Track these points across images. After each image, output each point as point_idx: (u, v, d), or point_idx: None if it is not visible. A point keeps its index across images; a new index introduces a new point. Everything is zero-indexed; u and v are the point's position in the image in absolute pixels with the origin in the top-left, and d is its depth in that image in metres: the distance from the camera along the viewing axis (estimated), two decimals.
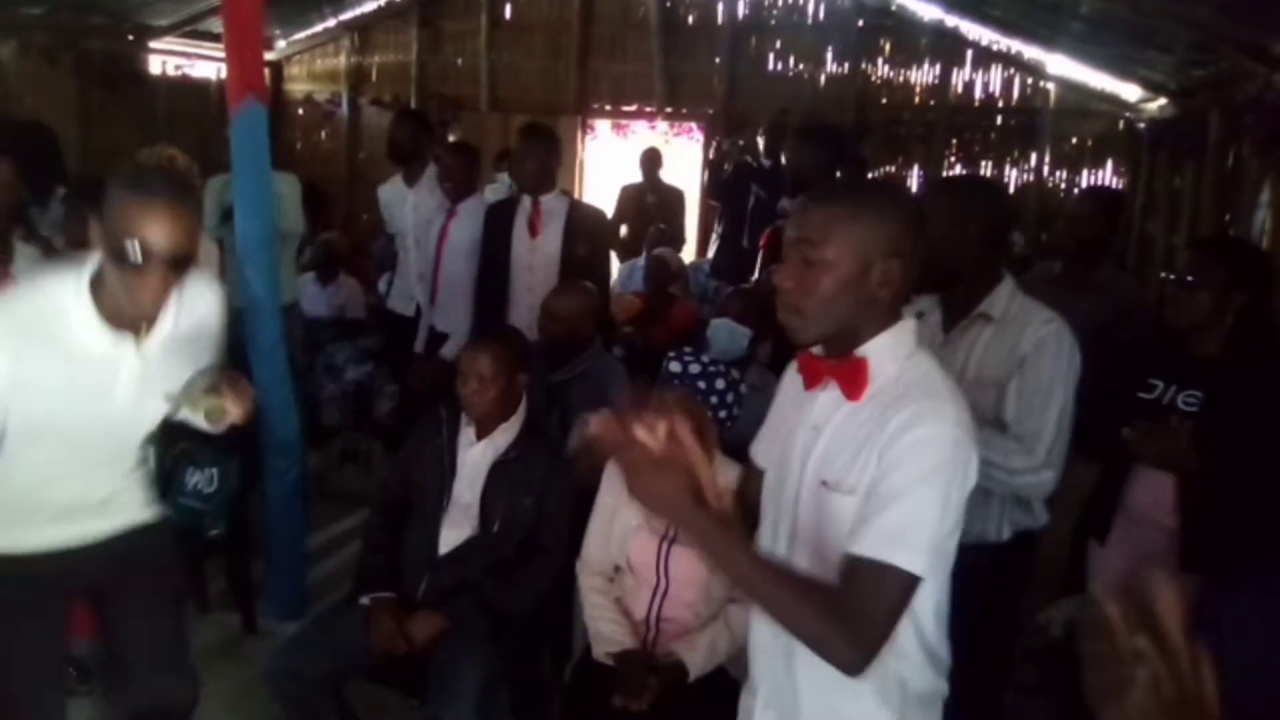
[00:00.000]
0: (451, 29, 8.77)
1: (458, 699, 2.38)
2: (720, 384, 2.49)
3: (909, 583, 1.38)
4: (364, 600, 2.57)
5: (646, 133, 9.49)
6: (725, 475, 2.49)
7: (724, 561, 1.41)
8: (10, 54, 6.93)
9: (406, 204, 4.51)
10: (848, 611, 1.35)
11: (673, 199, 7.01)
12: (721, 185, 6.57)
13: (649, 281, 5.45)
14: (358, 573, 2.71)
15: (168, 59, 8.37)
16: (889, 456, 1.40)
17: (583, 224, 3.89)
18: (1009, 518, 2.34)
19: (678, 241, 6.51)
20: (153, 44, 8.09)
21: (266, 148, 3.27)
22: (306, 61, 9.22)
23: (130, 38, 7.87)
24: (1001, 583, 2.35)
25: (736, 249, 6.02)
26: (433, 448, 2.70)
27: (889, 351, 1.49)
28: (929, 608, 1.51)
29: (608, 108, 8.48)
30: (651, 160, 6.96)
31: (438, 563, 2.62)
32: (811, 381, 1.56)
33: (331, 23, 9.05)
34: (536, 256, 3.80)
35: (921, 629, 1.52)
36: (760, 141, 6.55)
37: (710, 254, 6.61)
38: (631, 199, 6.92)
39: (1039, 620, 2.69)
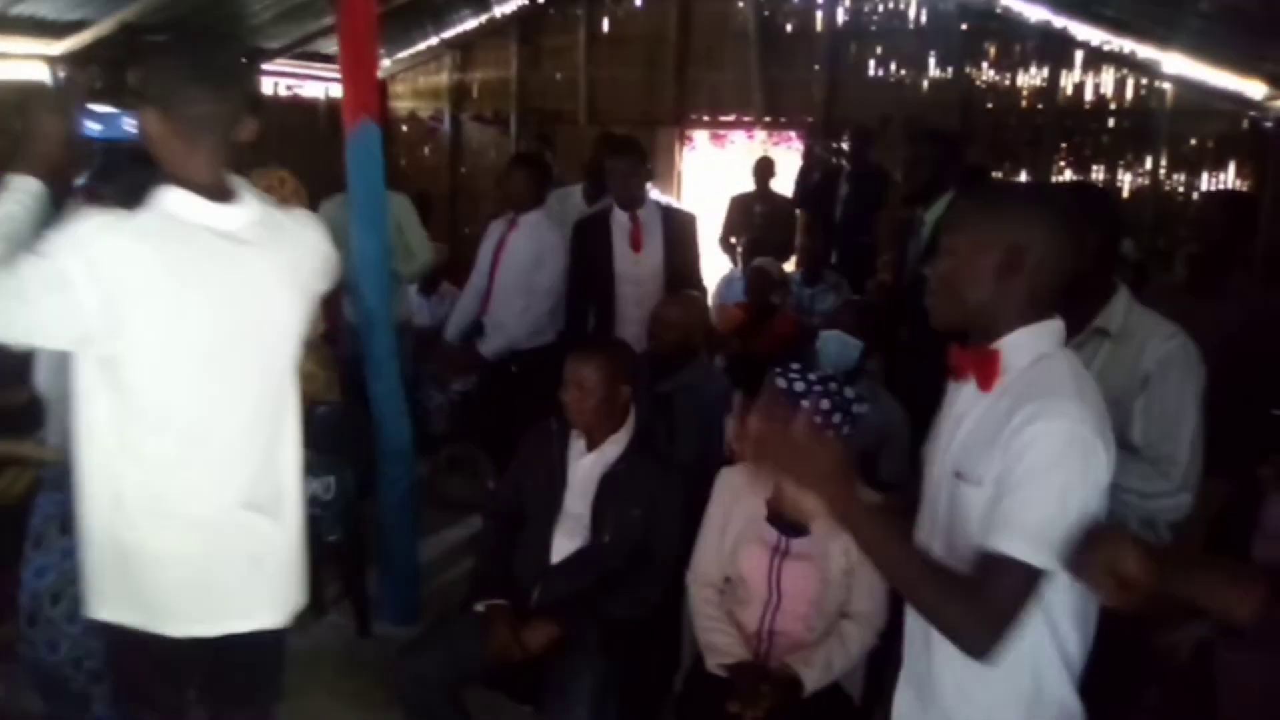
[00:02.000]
0: (550, 44, 8.89)
1: (571, 707, 2.41)
2: (825, 404, 2.45)
3: (1030, 574, 1.43)
4: (479, 607, 2.62)
5: (745, 142, 9.45)
6: (869, 498, 2.47)
7: (871, 544, 1.51)
8: (98, 83, 7.28)
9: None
10: (975, 600, 1.44)
11: (782, 209, 6.96)
12: (809, 192, 6.51)
13: (750, 292, 5.43)
14: (472, 580, 2.76)
15: (279, 80, 8.70)
16: (1010, 450, 1.45)
17: (678, 230, 3.91)
18: None
19: (786, 251, 6.46)
20: (266, 66, 8.43)
21: (381, 167, 3.37)
22: (410, 79, 9.45)
23: (244, 60, 8.19)
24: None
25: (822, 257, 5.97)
26: (544, 458, 2.74)
27: (1024, 346, 1.53)
28: (1065, 610, 1.53)
29: (705, 118, 8.47)
30: (764, 169, 6.93)
31: (550, 572, 2.65)
32: (957, 372, 1.63)
33: (434, 41, 9.27)
34: (642, 270, 3.83)
35: (1056, 629, 1.53)
36: (846, 147, 6.51)
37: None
38: (740, 208, 6.89)
39: (1166, 642, 2.60)
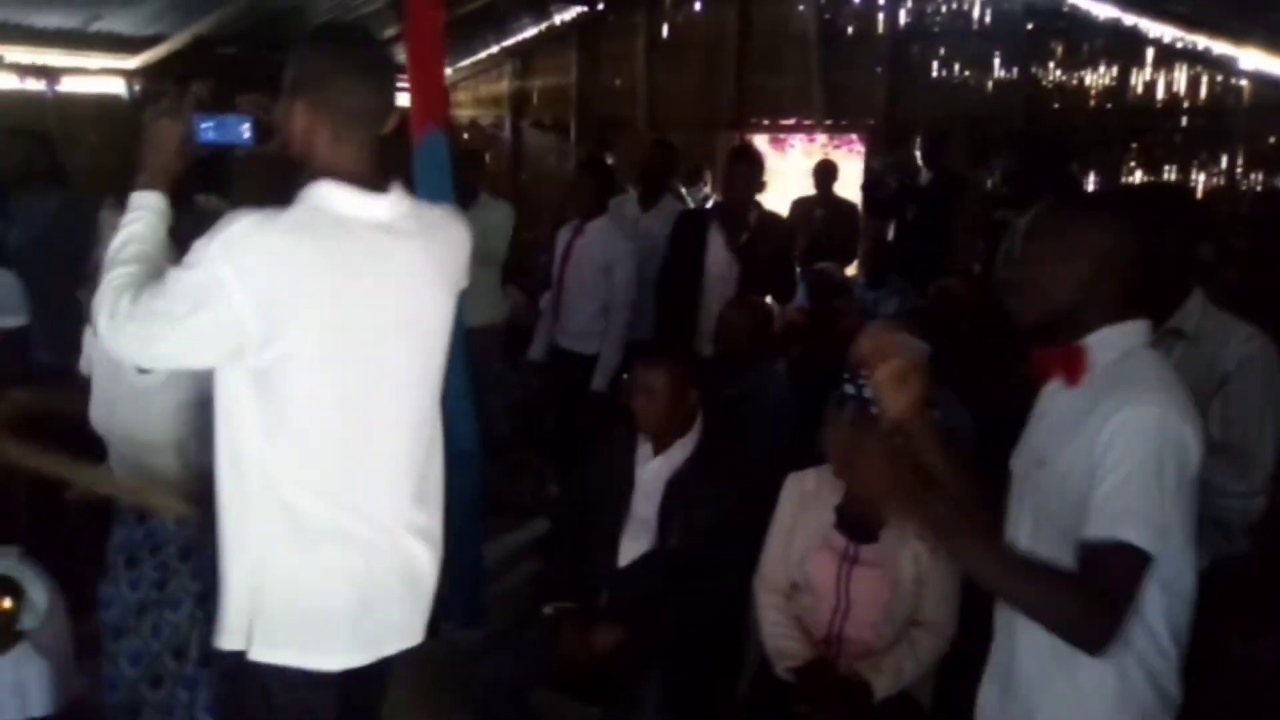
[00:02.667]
0: (609, 51, 8.94)
1: (638, 710, 2.42)
2: None
3: (1138, 558, 1.43)
4: (547, 610, 2.64)
5: (805, 146, 9.40)
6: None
7: (969, 555, 1.58)
8: (207, 91, 7.47)
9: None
10: (1085, 593, 1.45)
11: (844, 213, 6.91)
12: (883, 203, 6.44)
13: (812, 297, 5.39)
14: (540, 583, 2.79)
15: None
16: (1100, 440, 1.47)
17: (767, 229, 3.93)
18: (1207, 542, 2.22)
19: (848, 255, 6.41)
20: None
21: (449, 175, 3.41)
22: (471, 87, 9.56)
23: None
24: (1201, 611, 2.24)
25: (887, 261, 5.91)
26: (611, 463, 2.75)
27: (1111, 343, 1.57)
28: (1157, 610, 1.52)
29: (765, 122, 8.45)
30: (825, 173, 6.89)
31: (617, 575, 2.67)
32: (1041, 373, 1.66)
33: (495, 49, 9.38)
34: (734, 269, 3.85)
35: (1144, 623, 1.52)
36: (918, 155, 6.43)
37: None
38: (801, 212, 6.86)
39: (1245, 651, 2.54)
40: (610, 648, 2.55)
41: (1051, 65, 7.26)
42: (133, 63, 6.90)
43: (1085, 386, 1.57)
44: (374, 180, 1.69)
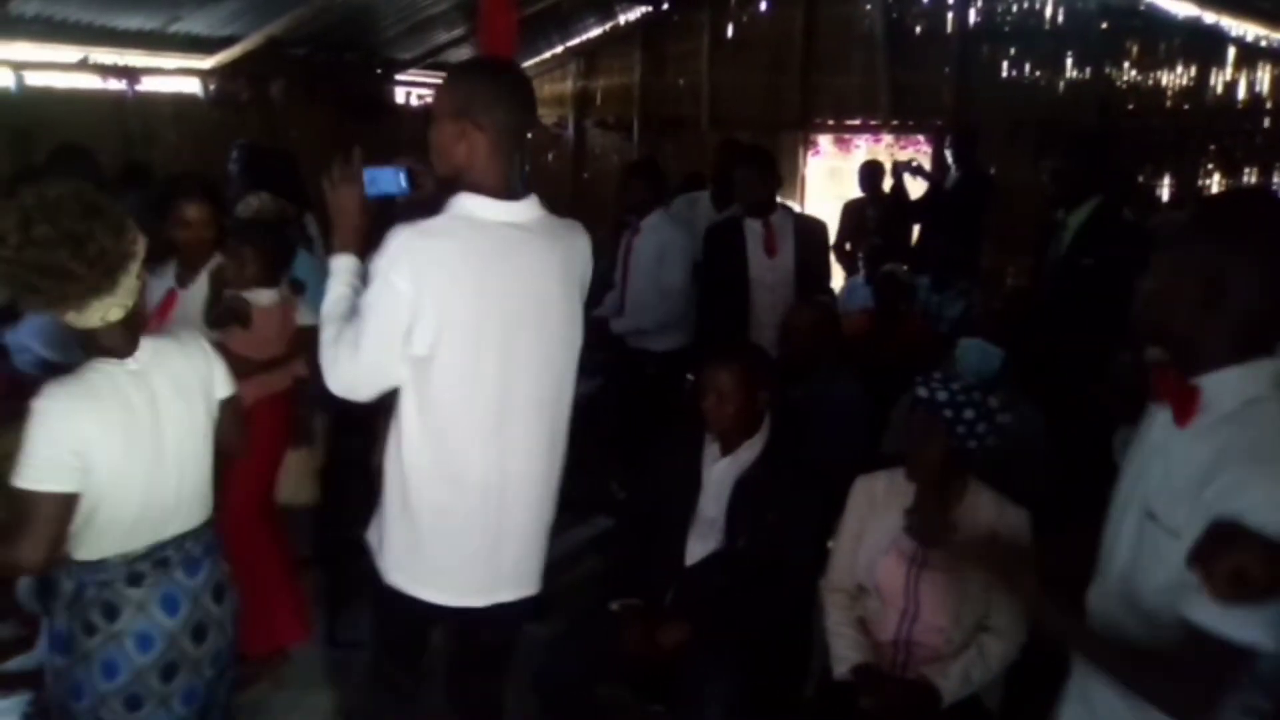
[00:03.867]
0: (673, 50, 8.95)
1: (704, 708, 2.42)
2: (969, 413, 2.41)
3: (1237, 651, 1.33)
4: (613, 606, 2.66)
5: (870, 146, 9.31)
6: (1012, 518, 2.42)
7: (1066, 635, 1.57)
8: (279, 90, 7.66)
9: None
10: (1182, 676, 1.37)
11: (894, 211, 6.82)
12: (905, 205, 6.36)
13: (879, 298, 5.33)
14: (606, 579, 2.80)
15: (410, 89, 9.00)
16: (1214, 513, 1.33)
17: (809, 236, 3.90)
18: None
19: (907, 256, 6.33)
20: (398, 76, 8.74)
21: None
22: (536, 87, 9.57)
23: (379, 71, 8.53)
24: None
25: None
26: (678, 461, 2.76)
27: (1231, 387, 1.40)
28: (1262, 668, 1.42)
29: (830, 122, 8.40)
30: (871, 173, 6.82)
31: (684, 574, 2.67)
32: (1158, 393, 1.51)
33: (559, 49, 9.45)
34: (776, 275, 3.83)
35: (1252, 678, 1.43)
36: (949, 154, 6.35)
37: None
38: (853, 215, 6.80)
39: None
40: (676, 645, 2.56)
41: (1126, 65, 7.11)
42: (208, 63, 7.08)
43: (1202, 433, 1.40)
44: (512, 188, 2.00)
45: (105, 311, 1.81)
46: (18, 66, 6.02)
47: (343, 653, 3.39)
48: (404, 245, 1.88)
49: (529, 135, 1.92)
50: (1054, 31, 7.27)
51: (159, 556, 1.96)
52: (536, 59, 9.38)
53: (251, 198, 3.87)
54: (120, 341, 1.88)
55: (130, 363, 1.90)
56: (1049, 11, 7.29)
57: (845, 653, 2.49)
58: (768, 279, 3.86)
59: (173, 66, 6.97)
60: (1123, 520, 1.55)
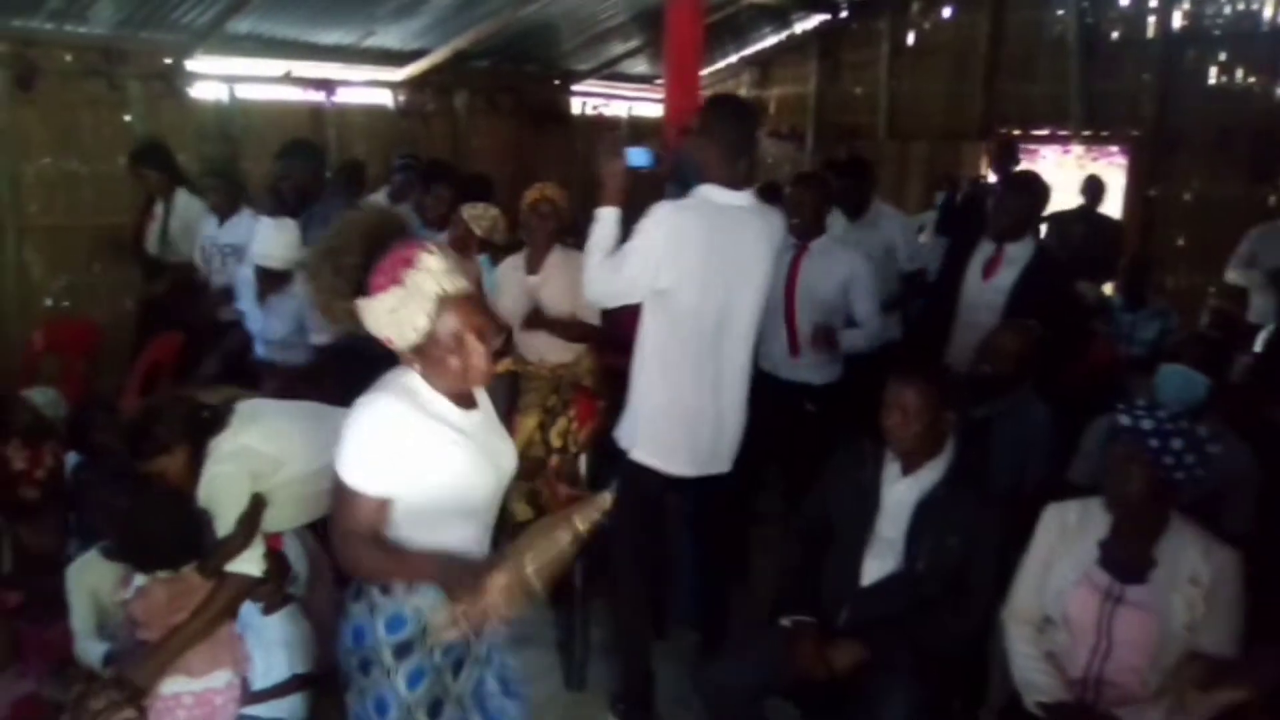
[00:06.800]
0: (851, 59, 8.82)
1: None
2: (1177, 443, 2.25)
3: None
4: (785, 622, 2.62)
5: (1058, 157, 8.88)
6: (1219, 558, 2.26)
7: None
8: (462, 101, 7.96)
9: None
10: None
11: (1105, 230, 6.51)
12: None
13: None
14: (779, 594, 2.77)
15: (586, 100, 9.18)
16: None
17: (1042, 275, 3.65)
18: None
19: (1108, 273, 6.00)
20: (574, 87, 8.93)
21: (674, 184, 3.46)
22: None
23: (556, 82, 8.75)
24: None
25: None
26: (856, 480, 2.69)
27: None
28: None
29: (1016, 132, 8.05)
30: (1095, 188, 6.52)
31: (860, 594, 2.61)
32: None
33: (734, 58, 9.45)
34: (984, 297, 3.65)
35: None
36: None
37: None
38: (1056, 229, 6.46)
39: None
40: (849, 666, 2.51)
41: None
42: (398, 75, 7.43)
43: None
44: (738, 183, 2.88)
45: None
46: (230, 80, 6.48)
47: None
48: (664, 212, 2.78)
49: (753, 147, 2.96)
50: (1271, 33, 6.74)
51: None
52: (710, 68, 9.41)
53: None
54: None
55: None
56: (1269, 12, 6.76)
57: (1036, 683, 2.39)
58: (975, 299, 3.67)
59: (366, 79, 7.34)
60: None
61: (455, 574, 1.80)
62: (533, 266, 3.87)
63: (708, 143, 2.84)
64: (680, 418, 2.91)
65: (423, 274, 1.79)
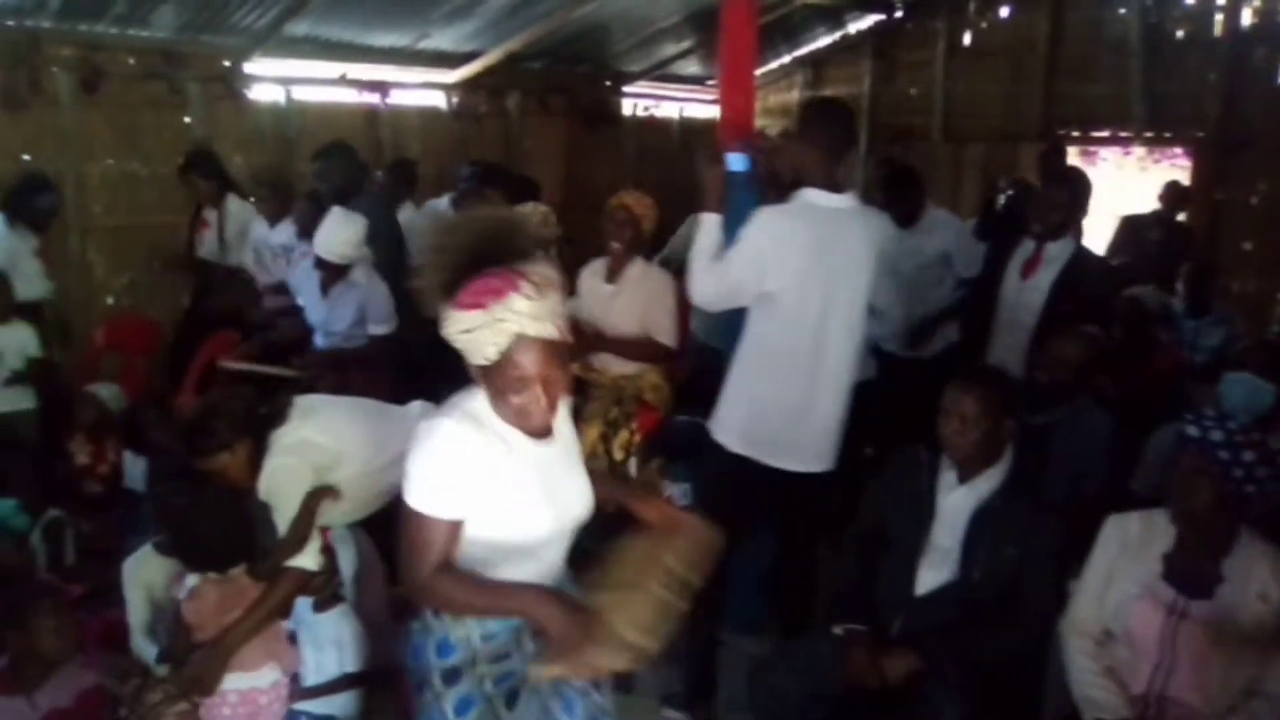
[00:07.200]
0: (906, 59, 8.71)
1: None
2: (1248, 455, 2.19)
3: None
4: (837, 630, 2.59)
5: (1118, 159, 8.70)
6: None
7: None
8: (514, 103, 8.00)
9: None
10: None
11: (1178, 237, 6.35)
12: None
13: (1122, 324, 4.95)
14: (832, 602, 2.73)
15: (638, 101, 9.18)
16: None
17: (1081, 274, 3.58)
18: None
19: (1172, 281, 5.86)
20: (626, 89, 8.93)
21: (751, 187, 3.42)
22: (761, 97, 9.58)
23: (608, 83, 8.76)
24: None
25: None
26: (912, 488, 2.65)
27: None
28: None
29: (1075, 133, 7.90)
30: (1173, 195, 6.39)
31: (914, 603, 2.57)
32: None
33: (786, 59, 9.39)
34: (1022, 297, 3.59)
35: None
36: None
37: None
38: (1129, 232, 6.36)
39: None
40: (902, 676, 2.47)
41: None
42: (451, 77, 7.49)
43: None
44: (839, 186, 2.87)
45: None
46: (286, 82, 6.57)
47: None
48: (767, 218, 2.81)
49: (852, 150, 3.05)
50: None
51: None
52: (763, 69, 9.36)
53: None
54: None
55: None
56: None
57: (1096, 700, 2.34)
58: (1013, 298, 3.62)
59: (419, 80, 7.40)
60: None
61: (558, 618, 1.72)
62: (610, 275, 3.86)
63: (808, 146, 2.85)
64: (788, 415, 2.89)
65: (507, 311, 1.73)
